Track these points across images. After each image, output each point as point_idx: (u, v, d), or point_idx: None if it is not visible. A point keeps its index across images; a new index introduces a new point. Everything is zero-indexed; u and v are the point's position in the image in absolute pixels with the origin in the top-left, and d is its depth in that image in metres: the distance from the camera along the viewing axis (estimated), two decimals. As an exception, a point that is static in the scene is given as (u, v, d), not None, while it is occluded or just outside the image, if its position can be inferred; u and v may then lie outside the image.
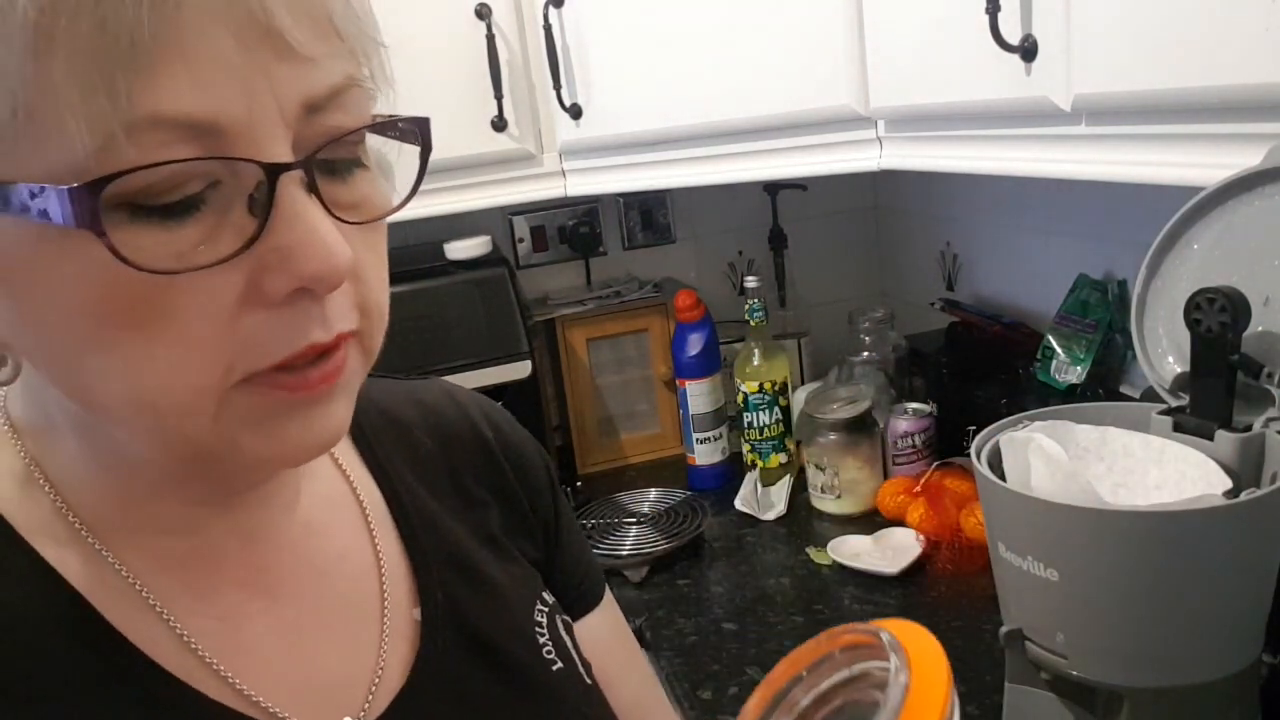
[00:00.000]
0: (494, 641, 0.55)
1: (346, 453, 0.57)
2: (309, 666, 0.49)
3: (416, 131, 0.44)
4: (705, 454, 1.59)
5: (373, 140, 0.44)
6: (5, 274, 0.37)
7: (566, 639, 0.60)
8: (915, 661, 0.37)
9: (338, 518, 0.54)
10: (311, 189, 0.38)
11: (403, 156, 0.45)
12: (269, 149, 0.37)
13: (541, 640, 0.58)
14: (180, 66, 0.34)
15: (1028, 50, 0.82)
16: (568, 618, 0.63)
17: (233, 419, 0.39)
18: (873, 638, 0.39)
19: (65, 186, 0.33)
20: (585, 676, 0.60)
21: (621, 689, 0.66)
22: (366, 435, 0.59)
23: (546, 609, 0.60)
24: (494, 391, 1.40)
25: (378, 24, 0.42)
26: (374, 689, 0.50)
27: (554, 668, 0.57)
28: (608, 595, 0.70)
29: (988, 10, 0.82)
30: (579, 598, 0.66)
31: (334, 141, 0.39)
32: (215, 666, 0.46)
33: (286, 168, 0.37)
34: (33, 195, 0.34)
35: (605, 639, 0.67)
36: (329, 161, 0.40)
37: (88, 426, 0.44)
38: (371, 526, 0.55)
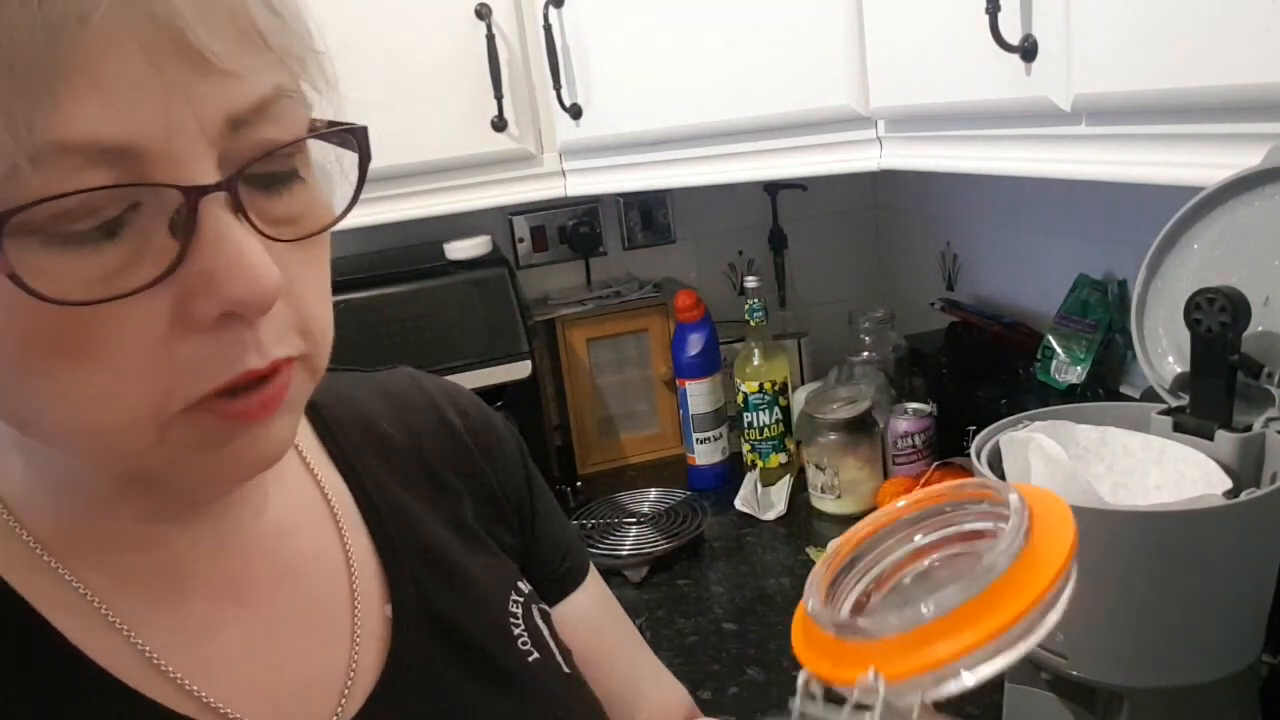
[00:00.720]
0: (468, 635, 0.55)
1: (313, 450, 0.57)
2: (281, 672, 0.49)
3: (354, 139, 0.43)
4: (705, 454, 1.59)
5: (317, 150, 0.43)
6: None
7: (543, 628, 0.60)
8: (1038, 525, 0.35)
9: (307, 517, 0.54)
10: (238, 209, 0.37)
11: (348, 164, 0.43)
12: (190, 169, 0.35)
13: (517, 631, 0.57)
14: (87, 90, 0.32)
15: (1028, 50, 0.82)
16: (545, 606, 0.62)
17: (175, 444, 0.39)
18: (995, 493, 0.37)
19: None
20: (563, 665, 0.59)
21: (614, 664, 0.65)
22: (332, 431, 0.58)
23: (522, 599, 0.59)
24: (494, 391, 1.41)
25: (312, 29, 0.41)
26: (348, 689, 0.50)
27: (530, 659, 0.57)
28: (593, 573, 0.69)
29: (988, 10, 0.82)
30: (562, 576, 0.66)
31: (265, 156, 0.38)
32: (179, 681, 0.45)
33: (208, 190, 0.35)
34: None
35: (593, 617, 0.67)
36: (261, 176, 0.39)
37: (33, 447, 0.43)
38: (340, 524, 0.55)
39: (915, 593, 0.38)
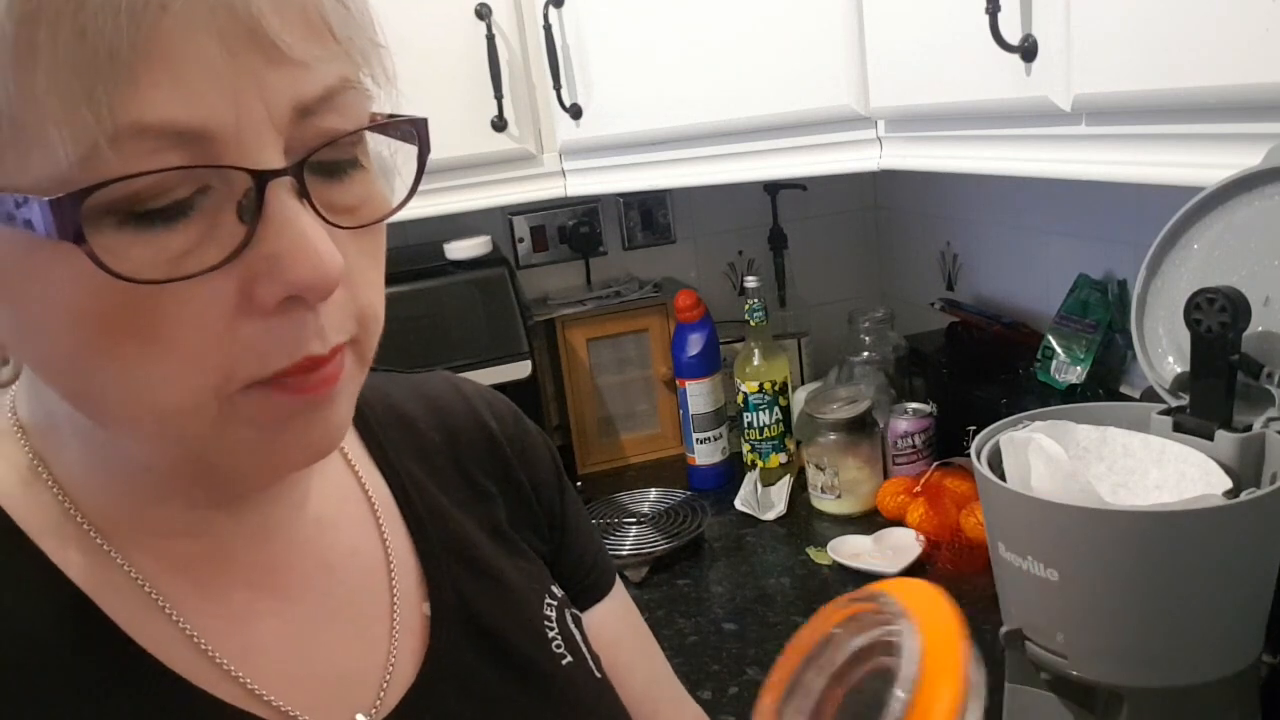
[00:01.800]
0: (503, 636, 0.55)
1: (354, 448, 0.57)
2: (320, 663, 0.49)
3: (414, 132, 0.44)
4: (705, 454, 1.59)
5: (374, 141, 0.44)
6: (3, 281, 0.37)
7: (576, 633, 0.60)
8: (923, 622, 0.36)
9: (347, 513, 0.55)
10: (303, 194, 0.38)
11: (403, 158, 0.44)
12: (258, 155, 0.36)
13: (551, 634, 0.58)
14: (164, 75, 0.34)
15: (1028, 50, 0.82)
16: (576, 611, 0.63)
17: (235, 423, 0.39)
18: (873, 604, 0.39)
19: (47, 198, 0.33)
20: (595, 670, 0.60)
21: (632, 679, 0.66)
22: (373, 430, 0.59)
23: (555, 603, 0.60)
24: (494, 391, 1.41)
25: (375, 23, 0.42)
26: (385, 684, 0.50)
27: (563, 662, 0.57)
28: (618, 585, 0.69)
29: (988, 10, 0.82)
30: (588, 588, 0.66)
31: (328, 145, 0.39)
32: (225, 666, 0.46)
33: (276, 174, 0.36)
34: (17, 205, 0.34)
35: (615, 628, 0.67)
36: (324, 164, 0.40)
37: (90, 430, 0.44)
38: (380, 522, 0.55)
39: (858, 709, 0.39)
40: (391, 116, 0.43)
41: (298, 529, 0.51)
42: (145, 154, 0.34)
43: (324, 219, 0.39)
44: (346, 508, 0.55)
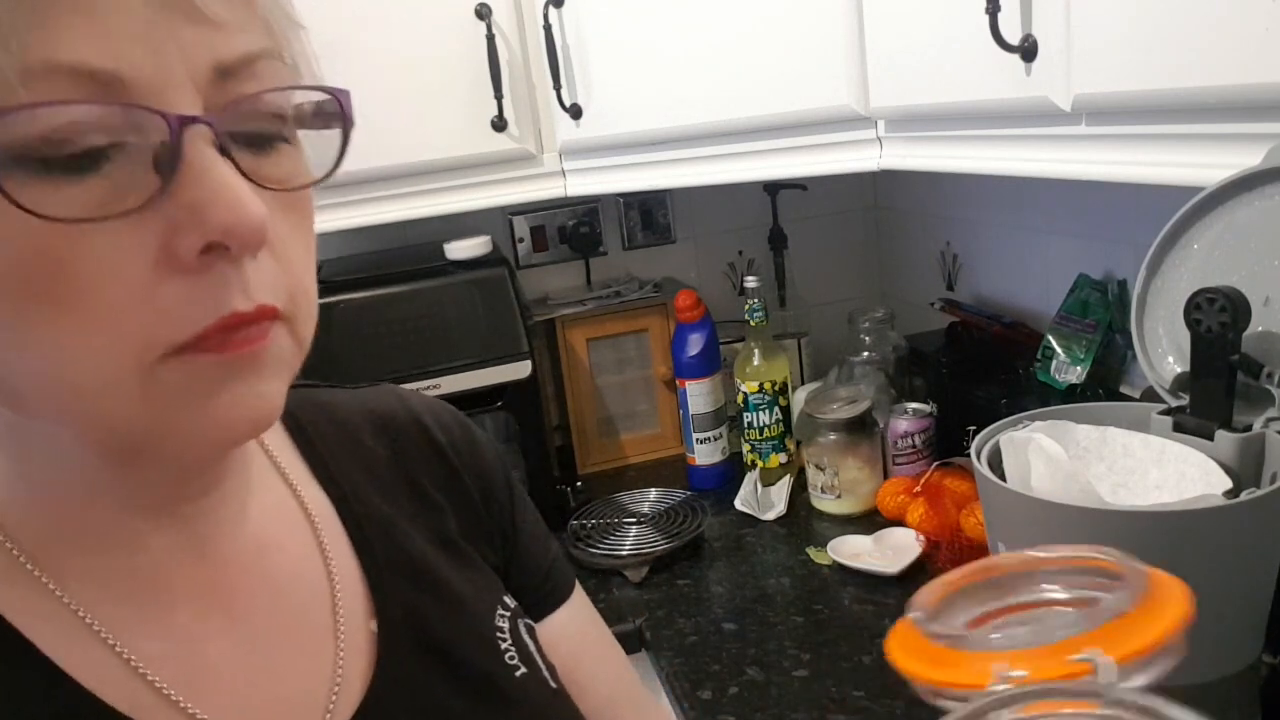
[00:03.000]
0: (454, 649, 0.54)
1: (292, 463, 0.56)
2: (267, 686, 0.48)
3: (336, 101, 0.43)
4: (705, 454, 1.59)
5: (303, 133, 0.43)
6: None
7: (530, 643, 0.59)
8: (1155, 590, 0.37)
9: (287, 531, 0.53)
10: (223, 150, 0.37)
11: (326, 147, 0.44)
12: (176, 105, 0.36)
13: (504, 646, 0.57)
14: (81, 18, 0.34)
15: (1028, 50, 0.82)
16: (530, 621, 0.62)
17: (160, 396, 0.38)
18: (1117, 564, 0.38)
19: None
20: (550, 680, 0.59)
21: (594, 686, 0.65)
22: (314, 444, 0.57)
23: (508, 614, 0.59)
24: (494, 391, 1.41)
25: (293, 5, 0.43)
26: (332, 705, 0.49)
27: (517, 673, 0.56)
28: (577, 590, 0.68)
29: (988, 10, 0.82)
30: (544, 596, 0.65)
31: (247, 104, 0.39)
32: (168, 694, 0.44)
33: (193, 120, 0.36)
34: None
35: (575, 635, 0.66)
36: (248, 134, 0.39)
37: (12, 436, 0.42)
38: (322, 539, 0.54)
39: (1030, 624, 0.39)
40: (313, 85, 0.43)
41: (237, 547, 0.49)
42: (57, 93, 0.34)
43: (246, 176, 0.38)
44: (286, 526, 0.53)
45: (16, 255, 0.35)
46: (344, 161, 0.44)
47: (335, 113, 0.43)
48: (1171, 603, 0.37)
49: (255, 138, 0.40)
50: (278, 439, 0.57)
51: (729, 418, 1.60)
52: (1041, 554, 0.41)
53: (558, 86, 1.30)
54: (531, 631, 0.61)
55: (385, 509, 0.57)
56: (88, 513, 0.44)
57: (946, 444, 1.43)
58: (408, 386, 0.67)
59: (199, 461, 0.46)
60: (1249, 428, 0.72)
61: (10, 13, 0.33)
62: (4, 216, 0.34)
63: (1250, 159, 0.69)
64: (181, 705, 0.44)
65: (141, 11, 0.35)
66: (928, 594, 0.41)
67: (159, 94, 0.36)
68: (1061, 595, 0.40)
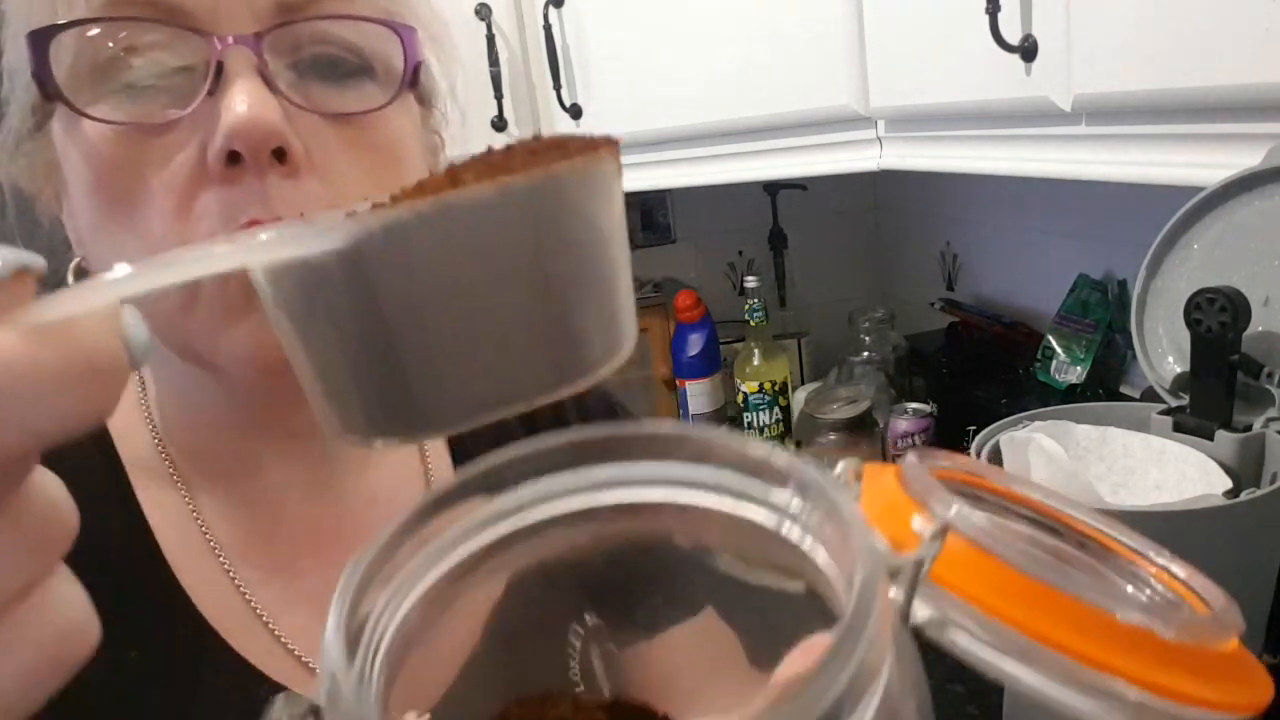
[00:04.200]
0: None
1: None
2: None
3: (399, 37, 0.45)
4: (705, 454, 1.59)
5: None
6: (62, 172, 0.43)
7: None
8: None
9: (402, 487, 0.55)
10: (262, 71, 0.40)
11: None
12: (229, 30, 0.39)
13: None
14: None
15: (1028, 50, 0.82)
16: None
17: (203, 310, 0.41)
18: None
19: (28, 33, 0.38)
20: None
21: None
22: None
23: None
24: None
25: None
26: None
27: None
28: None
29: (988, 10, 0.82)
30: None
31: (303, 31, 0.41)
32: (260, 614, 0.48)
33: (237, 42, 0.39)
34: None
35: None
36: (317, 63, 0.42)
37: (171, 362, 0.46)
38: None
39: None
40: (381, 19, 0.45)
41: (349, 494, 0.52)
42: (121, 13, 0.38)
43: (284, 95, 0.40)
44: (403, 482, 0.55)
45: (97, 162, 0.39)
46: (399, 96, 0.45)
47: (395, 41, 0.45)
48: (1258, 684, 0.29)
49: (327, 68, 0.42)
50: None
51: (729, 418, 1.60)
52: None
53: (558, 86, 1.30)
54: None
55: None
56: (220, 435, 0.49)
57: (946, 444, 1.43)
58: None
59: (251, 381, 0.47)
60: (1249, 428, 0.72)
61: None
62: (80, 131, 0.39)
63: (1250, 159, 0.69)
64: (270, 626, 0.48)
65: None
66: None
67: (213, 19, 0.39)
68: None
